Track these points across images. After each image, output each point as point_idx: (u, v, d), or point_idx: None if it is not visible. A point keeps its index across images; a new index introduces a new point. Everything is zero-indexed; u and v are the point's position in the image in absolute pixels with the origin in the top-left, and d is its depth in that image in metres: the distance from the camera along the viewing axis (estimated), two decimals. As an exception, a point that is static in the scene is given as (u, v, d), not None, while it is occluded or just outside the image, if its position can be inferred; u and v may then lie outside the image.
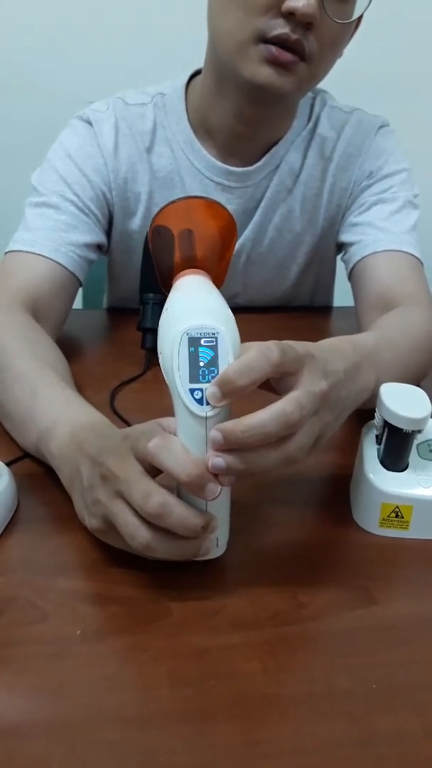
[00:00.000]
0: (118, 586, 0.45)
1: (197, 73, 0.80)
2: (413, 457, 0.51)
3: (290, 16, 0.63)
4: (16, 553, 0.47)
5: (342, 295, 0.93)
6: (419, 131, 1.17)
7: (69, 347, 0.75)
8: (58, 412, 0.53)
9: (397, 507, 0.50)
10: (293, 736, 0.36)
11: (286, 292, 0.91)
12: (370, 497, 0.50)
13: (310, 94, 0.83)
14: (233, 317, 0.43)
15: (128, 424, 0.60)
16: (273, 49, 0.64)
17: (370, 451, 0.52)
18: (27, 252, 0.71)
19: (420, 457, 0.52)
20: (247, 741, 0.36)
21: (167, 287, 0.49)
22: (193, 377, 0.40)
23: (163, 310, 0.45)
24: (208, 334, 0.40)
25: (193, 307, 0.43)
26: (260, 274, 0.88)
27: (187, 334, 0.40)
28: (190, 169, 0.79)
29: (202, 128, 0.79)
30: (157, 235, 0.50)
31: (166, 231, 0.49)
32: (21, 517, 0.50)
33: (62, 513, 0.50)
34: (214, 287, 0.48)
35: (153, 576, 0.45)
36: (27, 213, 0.75)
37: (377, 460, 0.51)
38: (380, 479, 0.50)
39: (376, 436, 0.52)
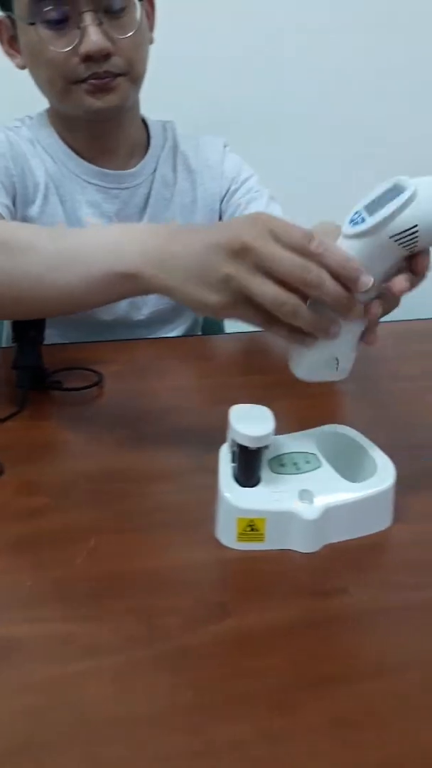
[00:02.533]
0: (-30, 626, 0.45)
1: None
2: (265, 471, 0.54)
3: (89, 57, 0.75)
4: None
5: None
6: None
7: None
8: (119, 229, 0.59)
9: (252, 521, 0.52)
10: (136, 755, 0.37)
11: None
12: (226, 513, 0.52)
13: (158, 122, 0.97)
14: None
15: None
16: (91, 81, 0.78)
17: (226, 470, 0.54)
18: None
19: (271, 471, 0.54)
20: (87, 766, 0.37)
21: None
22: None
23: None
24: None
25: None
26: None
27: None
28: (68, 173, 0.90)
29: (71, 147, 0.90)
30: None
31: None
32: None
33: None
34: None
35: (1, 609, 0.46)
36: None
37: (232, 478, 0.54)
38: (235, 495, 0.52)
39: (232, 455, 0.55)
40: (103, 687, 0.41)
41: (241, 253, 0.47)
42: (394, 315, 0.91)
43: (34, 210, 0.89)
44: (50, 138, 0.89)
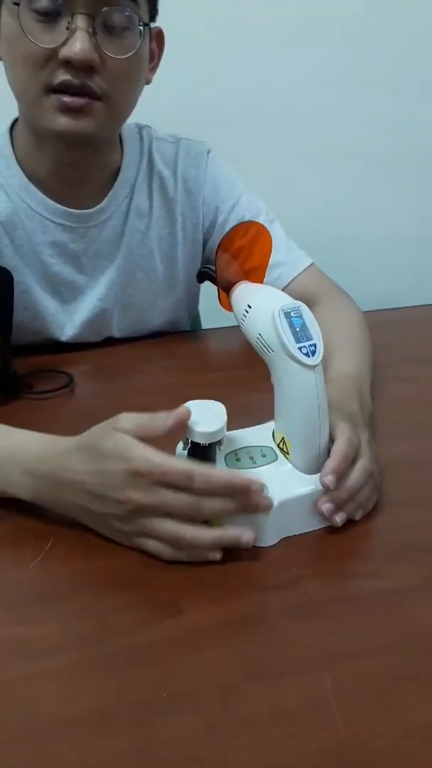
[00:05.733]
0: None
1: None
2: (220, 466, 0.54)
3: (69, 63, 0.66)
4: None
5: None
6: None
7: None
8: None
9: (207, 517, 0.52)
10: (81, 753, 0.38)
11: (164, 323, 0.94)
12: (182, 511, 0.53)
13: (134, 128, 0.87)
14: None
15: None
16: (63, 97, 0.68)
17: (182, 467, 0.55)
18: None
19: (227, 466, 0.55)
20: (33, 766, 0.37)
21: (227, 294, 0.61)
22: (297, 339, 0.52)
23: (243, 311, 0.57)
24: (294, 307, 0.53)
25: (273, 295, 0.56)
26: (136, 314, 0.91)
27: (282, 310, 0.52)
28: (27, 211, 0.81)
29: (33, 175, 0.80)
30: (223, 259, 0.60)
31: (230, 258, 0.61)
32: None
33: None
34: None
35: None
36: None
37: (187, 475, 0.54)
38: (189, 492, 0.53)
39: (188, 452, 0.55)
40: (53, 688, 0.41)
41: (135, 511, 0.49)
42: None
43: None
44: (10, 168, 0.80)
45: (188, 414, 0.50)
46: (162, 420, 0.49)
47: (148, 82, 0.78)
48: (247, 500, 0.49)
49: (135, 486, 0.48)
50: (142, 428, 0.49)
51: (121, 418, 0.50)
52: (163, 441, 0.55)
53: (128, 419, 0.50)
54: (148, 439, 0.49)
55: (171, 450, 0.56)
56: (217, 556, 0.50)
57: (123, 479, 0.48)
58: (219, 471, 0.49)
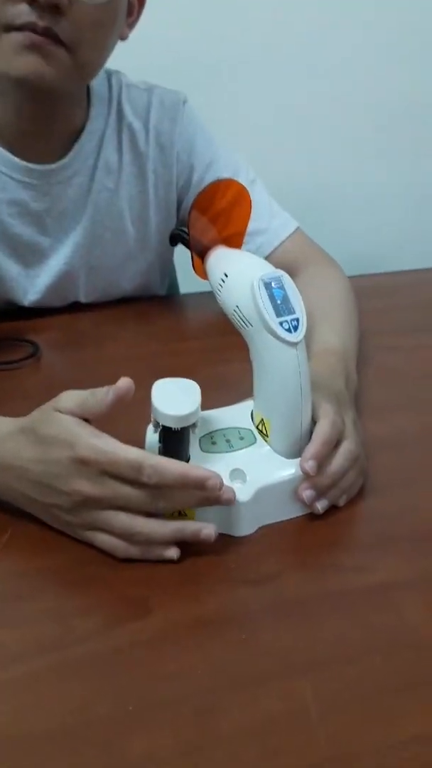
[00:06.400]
0: None
1: None
2: (194, 450, 0.50)
3: (34, 1, 0.59)
4: None
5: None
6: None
7: None
8: None
9: (178, 503, 0.48)
10: (39, 777, 0.34)
11: (135, 287, 0.88)
12: (152, 499, 0.49)
13: (103, 74, 0.79)
14: None
15: None
16: (25, 34, 0.61)
17: (152, 452, 0.50)
18: None
19: (201, 450, 0.51)
20: (-17, 795, 0.34)
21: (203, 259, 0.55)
22: (278, 312, 0.47)
23: (219, 280, 0.51)
24: (275, 277, 0.48)
25: (252, 263, 0.51)
26: (104, 277, 0.85)
27: (262, 280, 0.47)
28: None
29: None
30: (198, 223, 0.55)
31: (206, 222, 0.56)
32: None
33: None
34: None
35: None
36: None
37: (158, 460, 0.50)
38: (160, 478, 0.48)
39: (158, 435, 0.51)
40: (9, 701, 0.38)
41: (82, 503, 0.45)
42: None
43: None
44: None
45: (129, 388, 0.45)
46: (102, 396, 0.45)
47: (123, 38, 0.72)
48: (204, 495, 0.45)
49: (81, 475, 0.44)
50: (84, 406, 0.45)
51: (63, 397, 0.46)
52: (132, 422, 0.51)
53: (70, 398, 0.46)
54: (90, 417, 0.45)
55: (139, 431, 0.51)
56: (174, 555, 0.46)
57: (67, 468, 0.44)
58: (172, 463, 0.44)
